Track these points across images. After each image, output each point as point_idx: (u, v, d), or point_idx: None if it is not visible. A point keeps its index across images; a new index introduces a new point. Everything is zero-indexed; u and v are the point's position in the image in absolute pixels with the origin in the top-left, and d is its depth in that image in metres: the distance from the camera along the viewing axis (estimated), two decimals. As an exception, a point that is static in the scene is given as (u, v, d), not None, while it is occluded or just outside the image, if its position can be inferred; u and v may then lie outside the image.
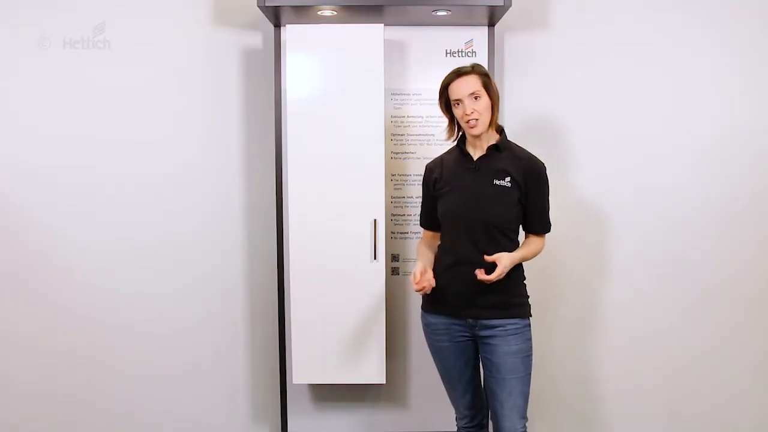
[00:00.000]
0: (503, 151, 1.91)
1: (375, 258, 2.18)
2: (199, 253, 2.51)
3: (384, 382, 2.24)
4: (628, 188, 2.49)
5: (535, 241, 1.95)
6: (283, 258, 2.36)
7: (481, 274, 1.79)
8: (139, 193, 2.48)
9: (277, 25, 2.30)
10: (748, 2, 2.45)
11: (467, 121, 1.87)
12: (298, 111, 2.18)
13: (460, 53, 2.33)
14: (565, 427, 2.60)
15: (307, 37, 2.17)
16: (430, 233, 2.08)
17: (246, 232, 2.52)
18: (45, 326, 2.50)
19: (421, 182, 2.37)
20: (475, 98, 1.86)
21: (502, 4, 2.12)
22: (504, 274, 1.81)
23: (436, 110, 2.32)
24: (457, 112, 1.90)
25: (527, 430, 1.92)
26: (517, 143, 1.97)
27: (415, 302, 2.40)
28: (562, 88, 2.47)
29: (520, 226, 1.97)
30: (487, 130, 1.90)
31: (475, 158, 1.92)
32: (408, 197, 2.38)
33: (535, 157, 1.94)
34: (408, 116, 2.36)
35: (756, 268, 2.52)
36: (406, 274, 2.40)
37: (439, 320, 1.96)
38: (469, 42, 2.33)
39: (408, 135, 2.37)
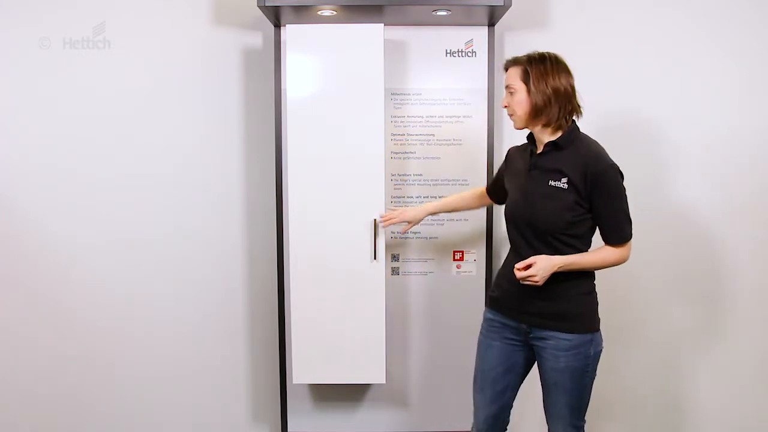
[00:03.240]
0: (566, 148, 1.74)
1: (375, 258, 2.18)
2: (199, 253, 2.51)
3: (384, 381, 2.24)
4: (631, 186, 2.49)
5: (605, 250, 1.76)
6: (283, 258, 2.36)
7: (518, 270, 1.70)
8: (138, 193, 2.47)
9: (277, 25, 2.30)
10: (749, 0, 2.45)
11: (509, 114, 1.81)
12: (298, 111, 2.18)
13: (460, 53, 2.33)
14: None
15: (307, 37, 2.17)
16: (482, 189, 2.13)
17: (246, 232, 2.52)
18: (44, 327, 2.50)
19: (420, 182, 2.38)
20: (510, 92, 1.77)
21: (502, 4, 2.11)
22: (541, 277, 1.68)
23: (436, 110, 2.35)
24: None
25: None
26: (593, 139, 1.81)
27: (416, 302, 2.41)
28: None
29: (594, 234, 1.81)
30: (534, 126, 1.78)
31: (535, 155, 1.81)
32: (408, 197, 2.38)
33: (601, 155, 1.73)
34: (408, 116, 2.36)
35: None
36: (406, 274, 2.40)
37: (497, 318, 1.89)
38: (469, 42, 2.33)
39: (408, 135, 2.37)
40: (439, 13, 2.18)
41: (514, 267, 1.75)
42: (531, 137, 1.86)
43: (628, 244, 1.78)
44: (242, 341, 2.57)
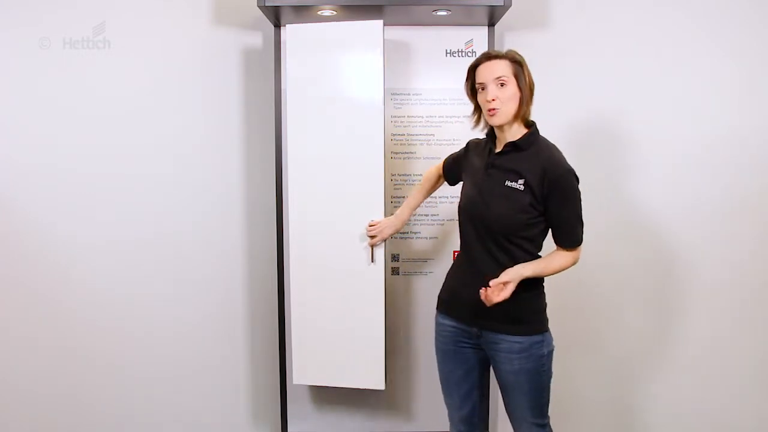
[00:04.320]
0: (525, 149, 1.74)
1: (373, 261, 2.17)
2: (199, 253, 2.51)
3: (383, 387, 2.22)
4: (625, 189, 2.49)
5: (560, 254, 1.77)
6: (283, 258, 2.36)
7: (484, 294, 1.68)
8: (138, 193, 2.47)
9: (277, 25, 2.30)
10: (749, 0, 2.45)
11: (488, 109, 1.73)
12: (298, 111, 2.18)
13: (460, 53, 2.33)
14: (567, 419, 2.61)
15: (307, 36, 2.16)
16: (437, 169, 2.06)
17: (246, 232, 2.52)
18: (44, 327, 2.50)
19: (420, 182, 2.37)
20: (501, 84, 1.72)
21: (502, 4, 2.12)
22: (508, 296, 1.68)
23: (436, 110, 2.35)
24: (480, 97, 1.76)
25: (549, 429, 1.85)
26: (552, 142, 1.80)
27: (416, 303, 2.40)
28: (562, 88, 2.46)
29: (546, 237, 1.81)
30: (512, 123, 1.76)
31: (494, 153, 1.80)
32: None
33: (559, 159, 1.73)
34: (408, 116, 2.36)
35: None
36: (407, 274, 2.40)
37: (447, 322, 1.89)
38: (469, 42, 2.33)
39: (408, 135, 2.37)
40: (439, 13, 2.18)
41: (467, 267, 1.80)
42: (491, 134, 1.85)
43: (580, 247, 1.79)
44: (242, 341, 2.56)
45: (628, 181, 2.49)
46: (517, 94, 1.74)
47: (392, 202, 2.38)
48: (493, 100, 1.72)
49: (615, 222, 2.50)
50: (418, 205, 2.14)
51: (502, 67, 1.73)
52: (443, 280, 1.97)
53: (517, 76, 1.73)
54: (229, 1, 2.43)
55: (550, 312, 1.83)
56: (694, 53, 2.46)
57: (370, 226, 2.11)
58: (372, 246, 2.13)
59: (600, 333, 2.56)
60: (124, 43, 2.43)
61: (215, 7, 2.43)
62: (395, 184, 2.38)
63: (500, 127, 1.77)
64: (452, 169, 2.03)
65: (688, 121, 2.47)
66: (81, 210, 2.47)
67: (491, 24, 2.32)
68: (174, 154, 2.47)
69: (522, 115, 1.76)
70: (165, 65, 2.45)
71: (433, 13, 2.18)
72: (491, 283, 1.69)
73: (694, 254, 2.51)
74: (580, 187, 1.74)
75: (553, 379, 1.83)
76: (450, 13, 2.18)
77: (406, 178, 2.38)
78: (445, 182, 2.09)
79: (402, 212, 2.10)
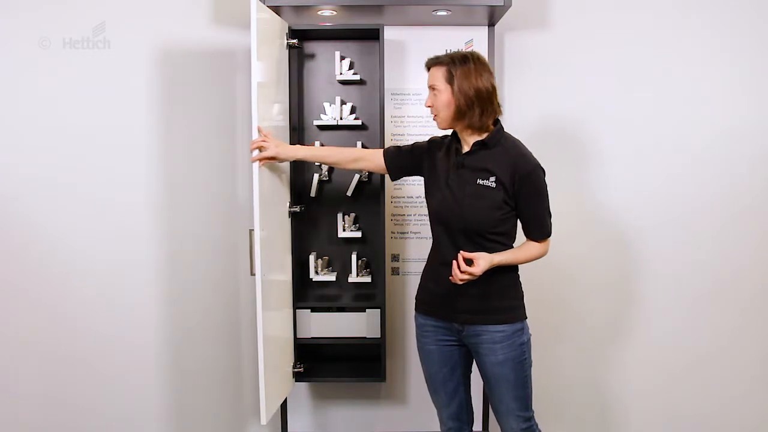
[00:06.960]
0: (493, 147, 1.75)
1: (253, 273, 1.99)
2: (200, 252, 2.51)
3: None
4: (626, 188, 2.50)
5: (531, 245, 1.80)
6: (283, 258, 2.36)
7: (454, 271, 1.66)
8: (137, 194, 2.47)
9: (277, 25, 2.30)
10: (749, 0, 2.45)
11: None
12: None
13: (460, 53, 2.33)
14: (569, 426, 2.61)
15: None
16: (368, 152, 1.98)
17: (246, 232, 2.52)
18: (44, 327, 2.49)
19: (420, 182, 2.36)
20: (434, 93, 1.75)
21: (502, 4, 2.12)
22: (477, 276, 1.67)
23: (436, 110, 2.35)
24: None
25: (534, 422, 1.87)
26: (517, 138, 1.81)
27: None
28: (562, 88, 2.46)
29: (518, 231, 1.82)
30: (462, 129, 1.77)
31: (462, 153, 1.80)
32: (408, 197, 2.39)
33: (527, 155, 1.75)
34: (408, 116, 2.36)
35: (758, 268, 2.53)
36: (406, 274, 2.41)
37: (427, 321, 1.89)
38: (469, 42, 2.33)
39: (408, 135, 2.37)
40: (439, 13, 2.18)
41: (441, 266, 1.79)
42: (456, 134, 1.84)
43: (549, 239, 1.82)
44: (242, 341, 2.57)
45: (626, 180, 2.49)
46: (450, 101, 1.73)
47: (392, 201, 2.38)
48: (429, 106, 1.77)
49: (614, 222, 2.51)
50: (322, 162, 2.05)
51: (436, 75, 1.74)
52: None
53: (451, 83, 1.71)
54: (229, 1, 2.42)
55: (526, 303, 1.85)
56: (694, 53, 2.46)
57: (263, 138, 1.96)
58: (254, 161, 1.94)
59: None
60: (124, 43, 2.42)
61: (215, 7, 2.43)
62: (395, 185, 2.38)
63: (455, 130, 1.79)
64: (400, 163, 1.95)
65: (688, 120, 2.47)
66: (80, 209, 2.46)
67: (491, 24, 2.32)
68: (174, 154, 2.47)
69: (469, 123, 1.74)
70: (165, 65, 2.44)
71: (433, 13, 2.18)
72: (461, 254, 1.67)
73: (699, 254, 2.52)
74: (557, 182, 1.77)
75: (532, 370, 1.85)
76: (450, 13, 2.18)
77: (405, 178, 2.37)
78: (383, 173, 2.01)
79: (302, 150, 2.02)
